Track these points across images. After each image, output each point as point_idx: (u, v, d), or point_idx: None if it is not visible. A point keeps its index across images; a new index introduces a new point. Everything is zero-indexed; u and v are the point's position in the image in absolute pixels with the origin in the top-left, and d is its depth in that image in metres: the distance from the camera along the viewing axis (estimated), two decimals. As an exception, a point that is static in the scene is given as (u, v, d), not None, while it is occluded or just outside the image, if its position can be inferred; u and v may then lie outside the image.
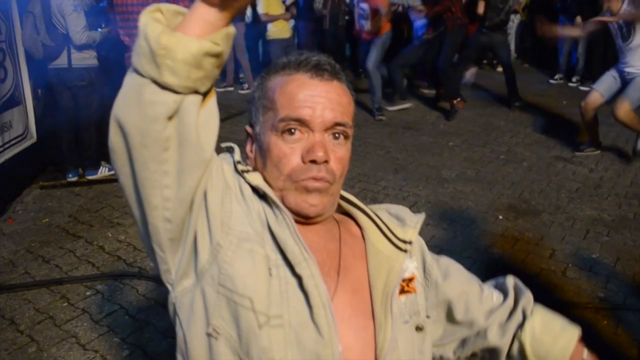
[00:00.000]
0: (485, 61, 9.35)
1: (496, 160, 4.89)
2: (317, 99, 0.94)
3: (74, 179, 4.38)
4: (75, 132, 4.36)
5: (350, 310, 0.93)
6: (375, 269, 1.00)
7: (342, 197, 1.11)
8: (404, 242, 1.03)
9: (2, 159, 3.80)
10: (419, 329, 1.00)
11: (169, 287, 0.92)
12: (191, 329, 0.88)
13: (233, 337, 0.86)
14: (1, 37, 3.85)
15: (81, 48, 4.12)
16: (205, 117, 0.81)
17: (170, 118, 0.77)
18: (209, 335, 0.86)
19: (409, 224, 1.06)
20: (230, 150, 1.02)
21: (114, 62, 4.30)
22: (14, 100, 4.01)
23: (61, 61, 4.10)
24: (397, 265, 1.01)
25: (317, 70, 0.96)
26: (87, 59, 4.19)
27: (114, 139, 0.80)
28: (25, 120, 4.16)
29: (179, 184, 0.82)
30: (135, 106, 0.77)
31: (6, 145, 3.87)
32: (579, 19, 7.30)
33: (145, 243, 0.90)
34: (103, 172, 4.45)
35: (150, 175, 0.80)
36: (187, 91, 0.77)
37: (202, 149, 0.81)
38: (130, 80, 0.78)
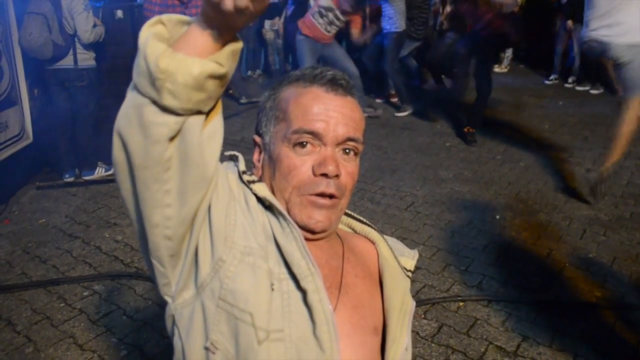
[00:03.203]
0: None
1: (493, 161, 4.90)
2: (332, 113, 0.94)
3: (71, 179, 4.37)
4: (72, 133, 4.36)
5: (349, 326, 0.93)
6: (391, 286, 1.02)
7: (352, 216, 1.13)
8: (406, 269, 1.08)
9: (-1, 159, 3.78)
10: (406, 349, 1.02)
11: (168, 299, 0.91)
12: (190, 342, 0.88)
13: (230, 352, 0.85)
14: (-3, 37, 3.84)
15: (89, 47, 4.16)
16: (209, 133, 0.79)
17: (172, 139, 0.75)
18: (206, 349, 0.86)
19: (407, 255, 1.10)
20: (234, 158, 1.01)
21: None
22: (10, 101, 3.99)
23: (65, 62, 4.12)
24: (408, 286, 1.04)
25: (333, 84, 0.96)
26: (87, 59, 4.20)
27: (117, 154, 0.79)
28: (21, 121, 4.14)
29: (181, 202, 0.80)
30: (136, 125, 0.74)
31: (2, 146, 3.85)
32: (570, 22, 7.35)
33: (144, 257, 0.89)
34: (100, 172, 4.44)
35: (152, 195, 0.78)
36: (189, 113, 0.74)
37: (205, 167, 0.79)
38: (131, 96, 0.75)
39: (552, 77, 8.16)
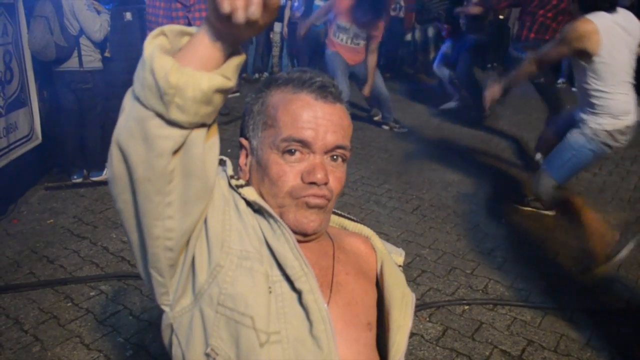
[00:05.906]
0: (489, 65, 9.36)
1: (500, 164, 4.89)
2: (321, 121, 0.93)
3: (79, 180, 4.39)
4: (80, 134, 4.39)
5: (342, 324, 0.94)
6: (391, 276, 1.03)
7: (344, 216, 1.16)
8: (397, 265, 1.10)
9: (8, 159, 3.81)
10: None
11: (166, 308, 0.91)
12: (190, 349, 0.88)
13: (231, 357, 0.85)
14: (7, 39, 3.87)
15: (98, 45, 4.21)
16: (210, 145, 0.80)
17: (175, 152, 0.75)
18: (207, 355, 0.86)
19: (395, 252, 1.13)
20: (221, 163, 1.00)
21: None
22: (20, 102, 4.03)
23: (70, 64, 4.15)
24: (404, 280, 1.06)
25: (322, 91, 0.95)
26: (92, 61, 4.23)
27: (117, 166, 0.78)
28: (30, 122, 4.18)
29: (183, 214, 0.80)
30: (139, 138, 0.73)
31: (12, 146, 3.88)
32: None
33: (141, 267, 0.89)
34: (107, 174, 4.46)
35: (154, 207, 0.78)
36: (194, 126, 0.74)
37: (207, 178, 0.80)
38: (132, 108, 0.74)
39: (560, 80, 8.12)
